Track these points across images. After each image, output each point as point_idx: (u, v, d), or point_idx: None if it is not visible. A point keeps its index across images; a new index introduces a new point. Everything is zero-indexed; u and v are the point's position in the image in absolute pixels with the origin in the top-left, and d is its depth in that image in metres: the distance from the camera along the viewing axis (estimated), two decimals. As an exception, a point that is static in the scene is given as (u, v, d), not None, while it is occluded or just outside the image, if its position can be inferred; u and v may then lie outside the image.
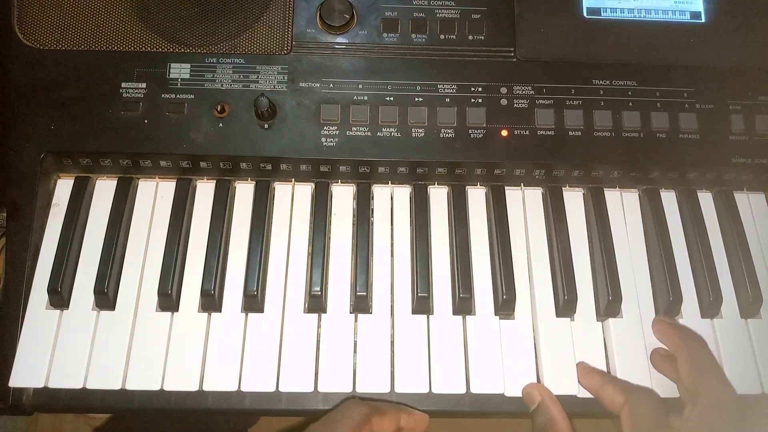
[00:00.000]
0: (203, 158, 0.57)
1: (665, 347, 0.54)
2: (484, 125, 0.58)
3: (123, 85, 0.58)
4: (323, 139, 0.57)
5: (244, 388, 0.52)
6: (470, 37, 0.60)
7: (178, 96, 0.58)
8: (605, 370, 0.54)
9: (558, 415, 0.49)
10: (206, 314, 0.54)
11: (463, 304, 0.55)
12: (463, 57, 0.60)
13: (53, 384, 0.52)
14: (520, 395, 0.52)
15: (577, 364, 0.53)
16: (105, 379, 0.52)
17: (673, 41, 0.61)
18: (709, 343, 0.55)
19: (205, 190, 0.59)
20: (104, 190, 0.59)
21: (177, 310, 0.54)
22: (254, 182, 0.59)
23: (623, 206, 0.60)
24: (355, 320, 0.55)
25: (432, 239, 0.58)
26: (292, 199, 0.59)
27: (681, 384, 0.51)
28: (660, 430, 0.47)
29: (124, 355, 0.52)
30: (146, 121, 0.57)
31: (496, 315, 0.55)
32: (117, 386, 0.51)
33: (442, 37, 0.60)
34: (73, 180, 0.58)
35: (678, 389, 0.52)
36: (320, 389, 0.52)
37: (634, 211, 0.60)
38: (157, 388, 0.52)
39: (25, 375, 0.52)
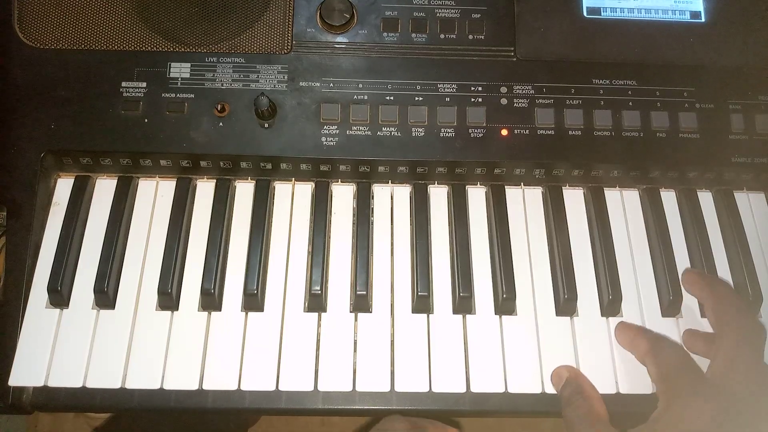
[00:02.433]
0: (203, 157, 0.57)
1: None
2: (484, 125, 0.58)
3: (123, 84, 0.58)
4: (323, 139, 0.57)
5: (244, 387, 0.52)
6: (470, 37, 0.61)
7: (178, 95, 0.58)
8: (607, 369, 0.54)
9: (585, 383, 0.51)
10: (206, 313, 0.54)
11: (464, 303, 0.55)
12: (463, 56, 0.60)
13: (53, 383, 0.51)
14: (521, 394, 0.52)
15: (617, 324, 0.54)
16: (105, 377, 0.52)
17: (673, 41, 0.61)
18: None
19: (205, 189, 0.59)
20: (104, 189, 0.59)
21: (177, 308, 0.54)
22: (254, 181, 0.59)
23: (623, 205, 0.60)
24: (355, 319, 0.55)
25: (432, 238, 0.58)
26: (292, 199, 0.59)
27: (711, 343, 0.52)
28: (686, 366, 0.48)
29: (123, 353, 0.52)
30: (146, 120, 0.57)
31: (496, 314, 0.55)
32: (117, 385, 0.51)
33: (442, 36, 0.60)
34: (73, 179, 0.59)
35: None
36: (320, 388, 0.52)
37: (635, 211, 0.60)
38: (156, 387, 0.51)
39: (24, 374, 0.51)
